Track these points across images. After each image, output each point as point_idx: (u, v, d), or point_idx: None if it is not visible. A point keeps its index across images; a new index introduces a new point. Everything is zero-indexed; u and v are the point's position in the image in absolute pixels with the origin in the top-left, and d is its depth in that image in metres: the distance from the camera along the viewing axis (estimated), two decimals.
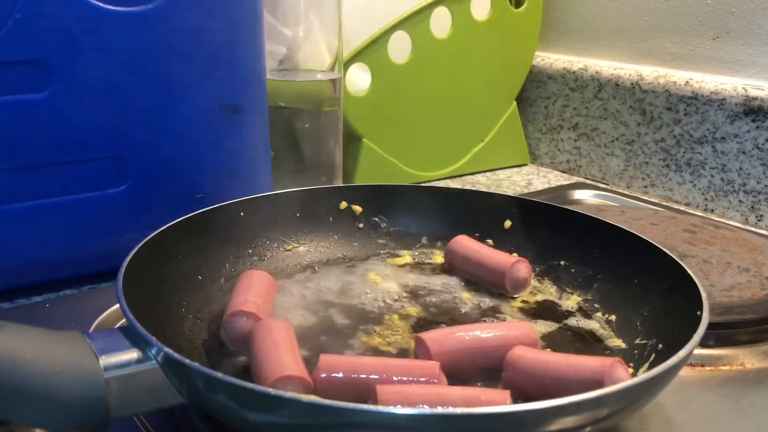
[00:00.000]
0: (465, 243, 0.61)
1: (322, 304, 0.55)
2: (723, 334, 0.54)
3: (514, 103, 1.03)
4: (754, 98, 0.80)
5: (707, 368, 0.52)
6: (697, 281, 0.46)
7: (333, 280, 0.59)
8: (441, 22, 0.90)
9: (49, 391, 0.34)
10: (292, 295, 0.57)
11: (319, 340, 0.50)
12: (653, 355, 0.46)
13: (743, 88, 0.82)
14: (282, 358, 0.42)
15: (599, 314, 0.54)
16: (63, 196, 0.59)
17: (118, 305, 0.44)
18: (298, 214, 0.64)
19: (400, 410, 0.32)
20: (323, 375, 0.41)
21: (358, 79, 0.87)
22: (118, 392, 0.36)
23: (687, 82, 0.87)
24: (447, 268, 0.62)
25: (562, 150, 1.04)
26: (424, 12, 0.87)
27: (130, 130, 0.60)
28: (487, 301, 0.56)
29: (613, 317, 0.53)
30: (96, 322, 0.54)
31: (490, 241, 0.63)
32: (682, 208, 0.89)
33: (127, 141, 0.61)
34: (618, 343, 0.50)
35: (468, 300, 0.57)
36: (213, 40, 0.62)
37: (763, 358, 0.53)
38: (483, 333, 0.47)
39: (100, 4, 0.56)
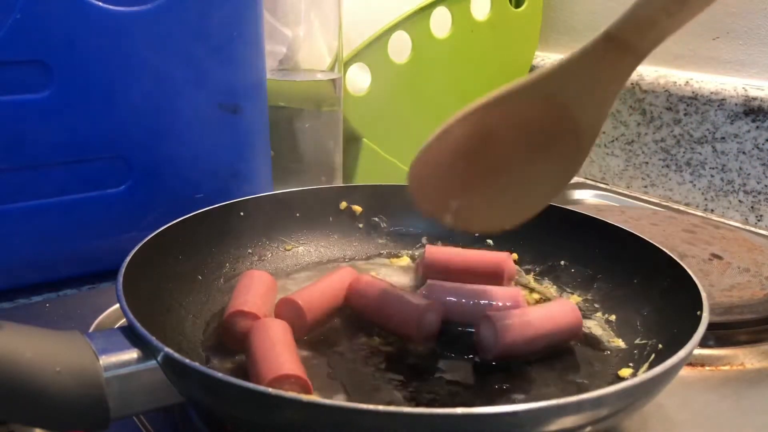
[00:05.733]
0: (439, 259, 0.59)
1: None
2: (723, 334, 0.54)
3: None
4: (754, 98, 0.80)
5: (707, 368, 0.52)
6: (697, 281, 0.46)
7: None
8: (441, 22, 0.90)
9: (49, 391, 0.34)
10: None
11: (318, 340, 0.50)
12: (653, 355, 0.46)
13: (743, 88, 0.82)
14: (279, 357, 0.42)
15: (599, 314, 0.54)
16: (63, 196, 0.59)
17: (118, 305, 0.44)
18: (298, 214, 0.64)
19: (399, 410, 0.32)
20: None
21: (358, 79, 0.87)
22: (118, 392, 0.36)
23: (687, 82, 0.87)
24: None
25: None
26: (424, 12, 0.87)
27: (130, 130, 0.60)
28: None
29: (613, 317, 0.53)
30: (96, 322, 0.54)
31: (490, 242, 0.63)
32: (682, 208, 0.89)
33: (127, 141, 0.61)
34: (618, 343, 0.50)
35: None
36: (213, 40, 0.62)
37: (763, 358, 0.53)
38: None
39: (100, 4, 0.56)
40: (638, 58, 0.36)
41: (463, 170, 0.40)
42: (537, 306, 0.52)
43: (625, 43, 0.35)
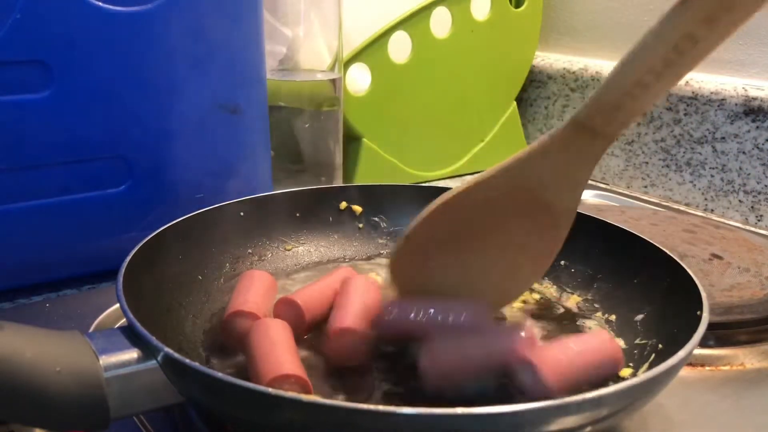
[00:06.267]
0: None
1: None
2: (723, 334, 0.54)
3: (514, 103, 1.03)
4: (754, 98, 0.80)
5: (707, 368, 0.52)
6: (697, 281, 0.46)
7: None
8: (441, 22, 0.90)
9: (49, 391, 0.34)
10: None
11: (318, 340, 0.50)
12: (653, 355, 0.46)
13: (743, 88, 0.82)
14: (279, 357, 0.42)
15: (599, 314, 0.54)
16: (63, 196, 0.59)
17: (118, 305, 0.44)
18: (298, 214, 0.64)
19: (399, 410, 0.32)
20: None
21: (358, 79, 0.87)
22: (118, 392, 0.36)
23: (687, 82, 0.87)
24: None
25: None
26: (424, 12, 0.87)
27: (130, 130, 0.60)
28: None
29: (613, 317, 0.53)
30: (96, 322, 0.54)
31: None
32: (682, 208, 0.89)
33: (127, 141, 0.61)
34: (618, 343, 0.50)
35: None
36: (213, 40, 0.62)
37: (763, 358, 0.53)
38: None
39: (100, 4, 0.56)
40: (607, 141, 0.36)
41: (442, 257, 0.40)
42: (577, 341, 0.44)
43: (593, 129, 0.36)
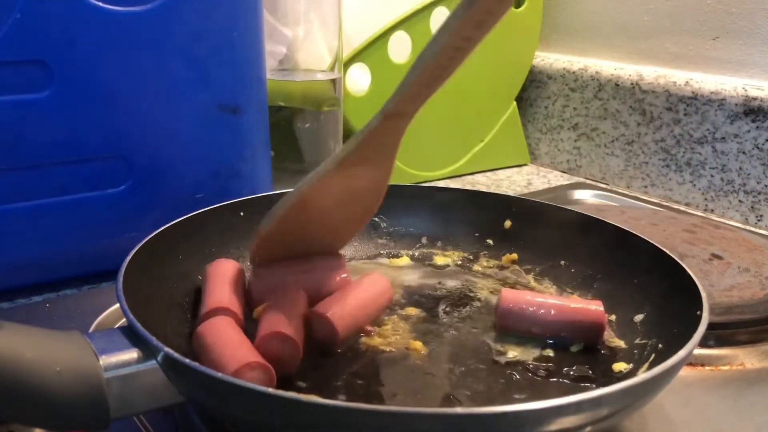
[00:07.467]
0: None
1: None
2: (723, 334, 0.54)
3: (514, 103, 1.03)
4: (754, 98, 0.80)
5: (707, 368, 0.52)
6: (697, 281, 0.46)
7: None
8: (441, 22, 0.90)
9: (49, 391, 0.34)
10: None
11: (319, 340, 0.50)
12: (653, 355, 0.46)
13: (743, 88, 0.82)
14: (238, 348, 0.42)
15: None
16: (63, 196, 0.59)
17: (118, 305, 0.44)
18: None
19: (399, 410, 0.32)
20: None
21: (358, 79, 0.87)
22: (118, 392, 0.36)
23: (687, 82, 0.87)
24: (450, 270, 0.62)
25: (562, 150, 1.04)
26: (424, 12, 0.87)
27: (130, 130, 0.60)
28: (486, 301, 0.56)
29: (613, 317, 0.53)
30: (96, 322, 0.54)
31: (490, 241, 0.63)
32: (682, 208, 0.89)
33: (127, 141, 0.61)
34: (618, 343, 0.50)
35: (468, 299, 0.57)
36: (213, 40, 0.62)
37: (763, 358, 0.53)
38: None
39: (100, 4, 0.56)
40: (411, 116, 0.48)
41: (293, 236, 0.51)
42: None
43: (399, 113, 0.47)
